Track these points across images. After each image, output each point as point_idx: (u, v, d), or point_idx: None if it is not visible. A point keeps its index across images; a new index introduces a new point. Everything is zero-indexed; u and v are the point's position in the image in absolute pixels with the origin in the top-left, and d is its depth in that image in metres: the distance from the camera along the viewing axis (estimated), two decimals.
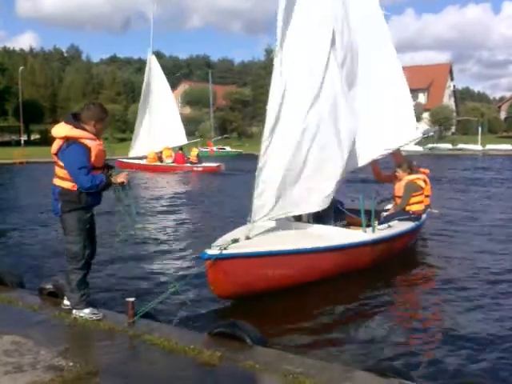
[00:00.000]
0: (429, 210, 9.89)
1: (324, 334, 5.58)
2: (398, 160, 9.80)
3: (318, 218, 8.10)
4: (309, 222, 7.91)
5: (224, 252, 5.80)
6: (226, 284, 5.94)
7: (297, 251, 6.48)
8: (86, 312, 4.85)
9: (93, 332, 4.63)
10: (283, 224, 7.33)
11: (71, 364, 3.88)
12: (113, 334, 4.54)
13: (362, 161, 8.55)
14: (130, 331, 4.54)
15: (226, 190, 20.72)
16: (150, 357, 4.08)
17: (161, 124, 31.52)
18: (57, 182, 4.87)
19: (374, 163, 11.46)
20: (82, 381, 3.65)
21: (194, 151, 31.56)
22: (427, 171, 10.09)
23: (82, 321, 4.78)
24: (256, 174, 6.88)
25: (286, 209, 7.07)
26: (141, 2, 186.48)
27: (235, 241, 6.13)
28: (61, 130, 4.82)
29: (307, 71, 7.19)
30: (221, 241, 6.18)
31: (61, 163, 4.81)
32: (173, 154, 31.13)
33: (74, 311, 4.89)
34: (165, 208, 15.40)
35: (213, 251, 5.78)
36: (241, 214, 13.36)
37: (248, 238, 6.41)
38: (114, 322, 4.75)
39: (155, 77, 32.86)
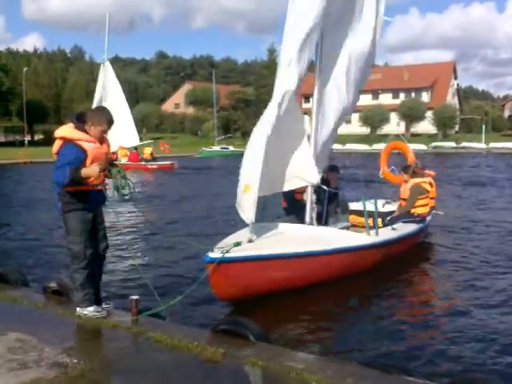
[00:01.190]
0: (434, 211, 9.85)
1: (326, 331, 5.59)
2: (410, 161, 9.72)
3: (319, 217, 8.04)
4: (312, 225, 7.85)
5: (226, 255, 5.76)
6: (228, 287, 5.91)
7: (300, 254, 6.43)
8: (89, 310, 4.88)
9: (97, 329, 4.66)
10: (286, 227, 7.26)
11: (75, 361, 3.91)
12: (116, 331, 4.56)
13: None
14: (134, 328, 4.56)
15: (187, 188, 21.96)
16: (154, 354, 4.10)
17: (115, 126, 31.81)
18: None
19: (384, 164, 11.46)
20: (85, 378, 3.67)
21: (147, 150, 34.08)
22: (433, 173, 10.03)
23: (86, 318, 4.81)
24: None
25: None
26: (144, 4, 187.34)
27: (237, 244, 6.04)
28: (60, 130, 4.88)
29: None
30: (223, 244, 6.11)
31: None
32: (128, 153, 32.85)
33: (77, 309, 4.92)
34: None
35: (215, 254, 5.74)
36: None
37: (250, 241, 6.35)
38: (117, 320, 4.78)
39: (110, 81, 33.71)
